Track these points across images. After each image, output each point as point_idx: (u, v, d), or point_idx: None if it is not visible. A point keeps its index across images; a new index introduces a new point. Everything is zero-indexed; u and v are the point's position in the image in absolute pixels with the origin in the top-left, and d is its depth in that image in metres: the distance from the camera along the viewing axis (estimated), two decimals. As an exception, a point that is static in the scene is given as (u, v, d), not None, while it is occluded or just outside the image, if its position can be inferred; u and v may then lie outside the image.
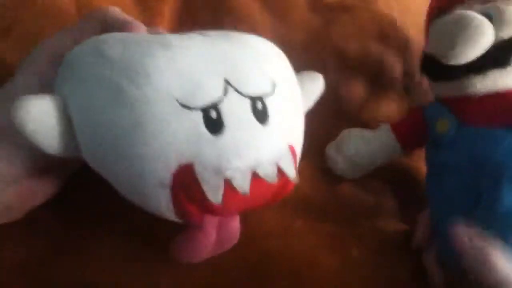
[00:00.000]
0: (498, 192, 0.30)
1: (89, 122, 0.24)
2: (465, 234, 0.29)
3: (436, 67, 0.34)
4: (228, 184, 0.24)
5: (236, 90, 0.25)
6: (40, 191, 0.30)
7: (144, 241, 0.32)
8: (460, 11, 0.33)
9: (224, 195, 0.23)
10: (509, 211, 0.30)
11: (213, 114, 0.24)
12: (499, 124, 0.32)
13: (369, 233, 0.36)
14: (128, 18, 0.29)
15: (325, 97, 0.33)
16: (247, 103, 0.25)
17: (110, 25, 0.28)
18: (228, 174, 0.24)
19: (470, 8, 0.34)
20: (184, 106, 0.23)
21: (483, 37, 0.31)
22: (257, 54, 0.27)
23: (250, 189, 0.24)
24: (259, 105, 0.26)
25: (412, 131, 0.39)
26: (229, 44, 0.27)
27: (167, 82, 0.23)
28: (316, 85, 0.32)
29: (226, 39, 0.27)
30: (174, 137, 0.23)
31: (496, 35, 0.31)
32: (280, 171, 0.25)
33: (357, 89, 0.47)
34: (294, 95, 0.29)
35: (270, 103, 0.26)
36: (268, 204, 0.28)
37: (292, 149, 0.27)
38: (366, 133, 0.41)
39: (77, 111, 0.24)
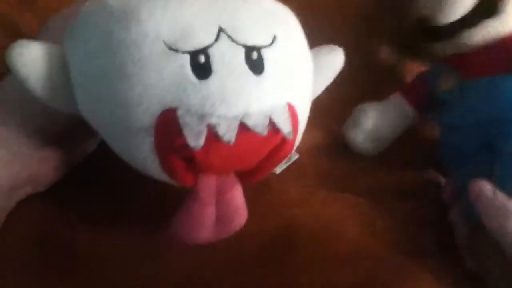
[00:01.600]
0: (507, 136, 0.31)
1: (82, 70, 0.24)
2: (486, 191, 0.29)
3: (431, 28, 0.35)
4: (212, 132, 0.22)
5: (230, 37, 0.24)
6: (62, 162, 0.30)
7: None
8: None
9: (208, 144, 0.22)
10: None
11: (201, 58, 0.23)
12: (499, 72, 0.32)
13: (392, 204, 0.36)
14: None
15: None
16: (241, 51, 0.24)
17: None
18: (213, 120, 0.22)
19: None
20: (172, 49, 0.23)
21: None
22: (260, 7, 0.26)
23: (237, 140, 0.22)
24: (254, 55, 0.24)
25: (422, 93, 0.39)
26: None
27: (156, 25, 0.23)
28: (335, 60, 0.30)
29: None
30: (158, 79, 0.22)
31: None
32: (273, 126, 0.24)
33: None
34: (299, 55, 0.28)
35: (268, 55, 0.25)
36: (263, 165, 0.26)
37: (291, 108, 0.25)
38: (379, 105, 0.40)
39: (73, 60, 0.24)
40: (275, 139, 0.25)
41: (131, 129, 0.23)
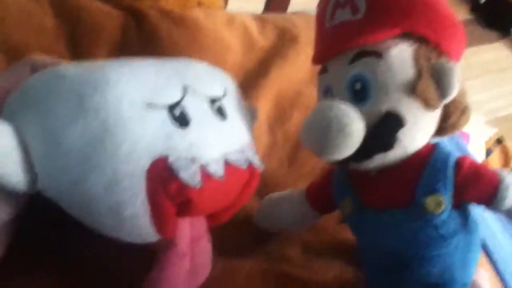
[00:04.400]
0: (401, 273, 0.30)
1: (52, 142, 0.23)
2: None
3: None
4: (204, 171, 0.24)
5: (194, 92, 0.27)
6: None
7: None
8: (322, 106, 0.28)
9: (203, 182, 0.24)
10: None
11: (177, 111, 0.25)
12: (396, 204, 0.29)
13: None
14: (56, 59, 0.30)
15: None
16: (206, 102, 0.27)
17: (41, 67, 0.28)
18: (202, 161, 0.24)
19: (341, 67, 0.29)
20: (149, 106, 0.24)
21: (350, 138, 0.27)
22: (206, 67, 0.30)
23: (225, 174, 0.25)
24: (216, 105, 0.28)
25: (325, 199, 0.35)
26: (179, 61, 0.29)
27: (128, 87, 0.24)
28: (252, 116, 0.33)
29: (175, 59, 0.30)
30: (143, 134, 0.23)
31: (373, 110, 0.28)
32: (247, 160, 0.27)
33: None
34: (242, 104, 0.32)
35: (226, 104, 0.28)
36: (240, 199, 0.29)
37: (251, 145, 0.30)
38: (282, 200, 0.38)
39: (36, 134, 0.23)
40: (250, 171, 0.28)
41: (121, 187, 0.23)
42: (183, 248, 0.26)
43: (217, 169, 0.25)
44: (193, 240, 0.27)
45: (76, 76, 0.24)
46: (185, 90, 0.26)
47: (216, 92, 0.28)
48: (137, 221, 0.24)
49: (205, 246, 0.29)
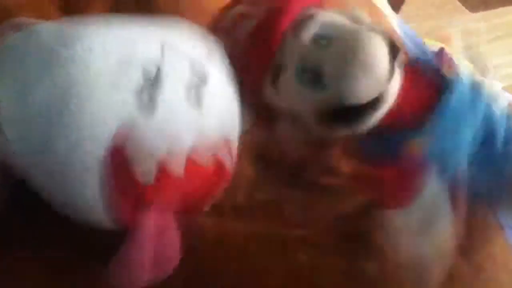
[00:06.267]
0: None
1: (21, 97, 0.22)
2: None
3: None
4: (162, 167, 0.23)
5: (172, 51, 0.25)
6: None
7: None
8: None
9: (158, 178, 0.23)
10: None
11: (145, 96, 0.24)
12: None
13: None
14: (37, 20, 0.29)
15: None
16: (186, 65, 0.25)
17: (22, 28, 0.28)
18: (163, 155, 0.23)
19: None
20: (123, 63, 0.23)
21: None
22: (189, 32, 0.28)
23: (185, 172, 0.23)
24: (195, 92, 0.25)
25: None
26: (163, 21, 0.28)
27: (101, 43, 0.23)
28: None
29: (160, 20, 0.28)
30: (110, 99, 0.23)
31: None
32: (216, 157, 0.26)
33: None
34: (228, 91, 0.29)
35: (205, 92, 0.26)
36: (206, 196, 0.27)
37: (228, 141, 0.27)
38: None
39: (7, 92, 0.23)
40: (217, 169, 0.26)
41: (82, 155, 0.22)
42: (144, 239, 0.25)
43: (176, 166, 0.23)
44: (157, 231, 0.26)
45: (49, 32, 0.24)
46: (163, 48, 0.25)
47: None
48: (93, 206, 0.24)
49: (172, 238, 0.27)
